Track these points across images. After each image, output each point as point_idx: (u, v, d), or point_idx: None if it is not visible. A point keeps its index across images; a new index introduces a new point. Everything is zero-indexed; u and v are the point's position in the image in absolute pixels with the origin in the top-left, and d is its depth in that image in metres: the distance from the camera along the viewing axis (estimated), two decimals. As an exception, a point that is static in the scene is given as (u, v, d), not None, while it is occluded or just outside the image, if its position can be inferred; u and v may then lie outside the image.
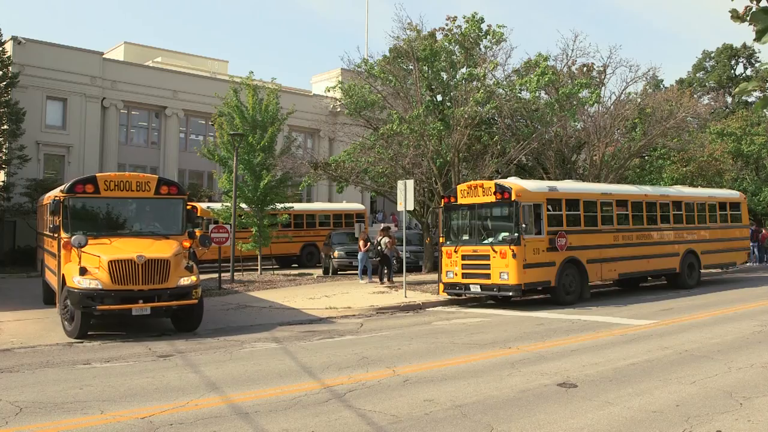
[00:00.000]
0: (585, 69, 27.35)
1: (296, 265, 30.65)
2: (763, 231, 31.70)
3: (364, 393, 7.39)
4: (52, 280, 14.49)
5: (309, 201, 37.17)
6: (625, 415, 6.38)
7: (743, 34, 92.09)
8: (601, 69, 27.50)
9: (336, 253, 25.92)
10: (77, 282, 11.36)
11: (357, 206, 34.80)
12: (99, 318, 11.96)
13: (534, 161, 27.61)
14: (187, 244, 13.33)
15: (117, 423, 6.36)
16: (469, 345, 10.60)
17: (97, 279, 11.37)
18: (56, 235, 12.98)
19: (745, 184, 37.58)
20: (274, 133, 24.35)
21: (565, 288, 16.35)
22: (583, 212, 17.11)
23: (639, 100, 27.55)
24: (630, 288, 20.68)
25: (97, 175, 13.13)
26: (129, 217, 13.48)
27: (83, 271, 11.39)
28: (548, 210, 16.27)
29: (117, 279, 11.42)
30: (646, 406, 6.67)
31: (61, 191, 12.90)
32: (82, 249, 11.66)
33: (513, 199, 15.53)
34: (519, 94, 24.41)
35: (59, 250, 12.71)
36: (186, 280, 12.03)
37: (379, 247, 21.50)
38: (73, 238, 11.71)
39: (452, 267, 16.62)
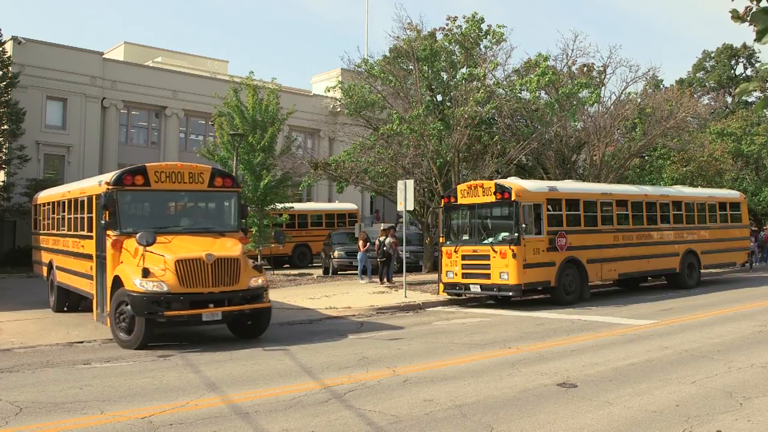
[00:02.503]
0: (585, 69, 27.38)
1: (287, 266, 30.48)
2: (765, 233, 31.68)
3: (364, 393, 7.39)
4: (76, 284, 13.31)
5: (309, 201, 37.14)
6: (625, 415, 6.38)
7: (743, 34, 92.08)
8: (601, 69, 27.53)
9: (336, 253, 25.92)
10: (140, 285, 10.10)
11: (350, 206, 34.61)
12: (161, 326, 10.59)
13: (534, 161, 27.62)
14: (244, 242, 12.44)
15: (117, 423, 6.36)
16: (469, 345, 10.60)
17: (163, 281, 10.13)
18: (90, 233, 11.96)
19: (745, 184, 37.58)
20: (274, 133, 24.34)
21: (565, 288, 16.35)
22: (583, 212, 17.11)
23: (639, 100, 27.56)
24: (630, 288, 20.67)
25: (147, 165, 11.78)
26: (181, 212, 12.28)
27: (146, 273, 10.13)
28: (548, 210, 16.27)
29: (185, 281, 10.22)
30: (646, 406, 6.67)
31: (107, 183, 11.37)
32: (145, 248, 10.39)
33: (513, 199, 15.53)
34: (519, 94, 24.42)
35: (102, 250, 11.46)
36: (257, 281, 10.99)
37: (384, 247, 21.46)
38: (138, 235, 10.36)
39: (452, 267, 16.62)
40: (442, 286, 17.21)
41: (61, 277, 14.70)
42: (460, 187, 17.31)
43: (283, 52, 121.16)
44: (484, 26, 24.19)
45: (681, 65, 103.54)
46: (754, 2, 3.43)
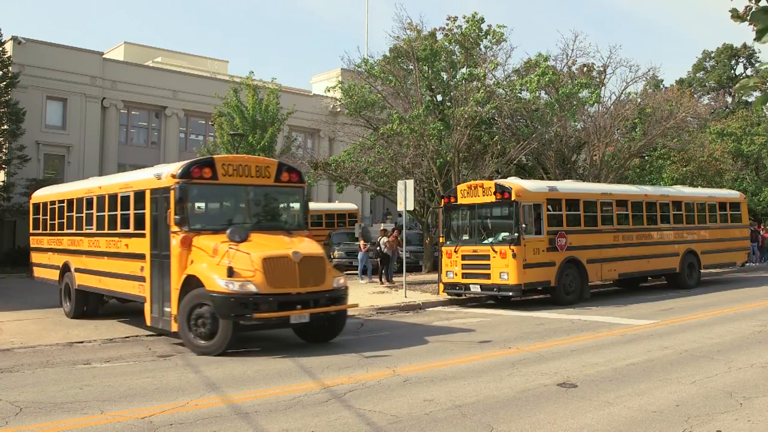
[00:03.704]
0: (585, 69, 27.37)
1: None
2: (762, 232, 31.67)
3: (364, 393, 7.39)
4: (114, 286, 12.39)
5: (309, 201, 37.12)
6: (624, 415, 6.38)
7: (743, 34, 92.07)
8: (601, 69, 27.53)
9: (336, 253, 25.93)
10: (225, 285, 9.40)
11: (350, 206, 34.39)
12: (242, 329, 9.82)
13: (534, 161, 27.61)
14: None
15: (117, 423, 6.36)
16: (469, 345, 10.60)
17: (251, 281, 9.46)
18: (140, 231, 11.20)
19: (745, 184, 37.58)
20: (274, 133, 24.38)
21: (565, 288, 16.35)
22: (583, 212, 17.11)
23: (639, 100, 27.56)
24: (630, 288, 20.67)
25: (214, 157, 11.07)
26: (249, 208, 11.40)
27: (231, 272, 9.45)
28: (548, 210, 16.27)
29: (273, 280, 9.57)
30: (646, 406, 6.67)
31: (172, 176, 10.50)
32: (230, 246, 9.71)
33: (513, 199, 15.53)
34: (519, 94, 24.42)
35: (161, 248, 10.69)
36: (340, 281, 10.45)
37: (378, 247, 21.50)
38: (230, 230, 9.78)
39: (452, 267, 16.62)
40: (442, 286, 17.21)
41: (83, 280, 13.70)
42: (460, 187, 17.31)
43: (283, 52, 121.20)
44: (484, 26, 24.20)
45: (681, 65, 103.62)
46: (753, 2, 3.44)
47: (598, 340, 11.00)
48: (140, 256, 11.29)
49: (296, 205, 11.93)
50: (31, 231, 17.49)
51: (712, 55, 55.56)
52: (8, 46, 30.67)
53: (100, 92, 34.61)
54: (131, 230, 11.73)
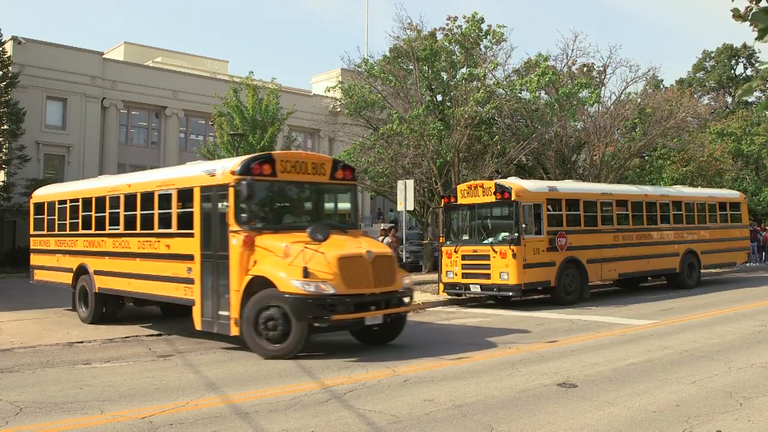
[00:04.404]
0: (585, 69, 27.40)
1: None
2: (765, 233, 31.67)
3: (364, 393, 7.39)
4: (151, 289, 11.81)
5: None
6: (625, 415, 6.38)
7: (743, 34, 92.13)
8: (601, 69, 27.55)
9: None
10: (301, 286, 9.05)
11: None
12: (316, 331, 9.52)
13: (534, 161, 27.63)
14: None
15: (117, 423, 6.36)
16: (469, 345, 10.59)
17: (328, 281, 9.14)
18: (188, 230, 10.70)
19: (745, 184, 37.58)
20: (274, 133, 24.37)
21: (565, 288, 16.35)
22: (583, 212, 17.11)
23: (639, 100, 27.58)
24: (630, 288, 20.67)
25: (272, 153, 10.67)
26: (305, 206, 11.25)
27: (307, 273, 9.07)
28: (548, 210, 16.27)
29: (349, 281, 9.27)
30: (646, 406, 6.67)
31: (232, 172, 10.07)
32: (306, 246, 9.34)
33: (513, 199, 15.53)
34: (519, 94, 24.44)
35: (215, 248, 10.26)
36: (407, 280, 10.23)
37: None
38: (310, 229, 9.47)
39: (452, 267, 16.62)
40: (442, 286, 17.21)
41: (105, 283, 13.09)
42: (460, 187, 17.31)
43: (283, 52, 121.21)
44: (484, 26, 24.22)
45: (681, 65, 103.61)
46: (754, 2, 3.44)
47: (598, 340, 11.00)
48: (187, 257, 10.75)
49: (349, 204, 11.65)
50: (32, 232, 16.53)
51: (712, 55, 55.56)
52: (8, 46, 30.67)
53: (100, 92, 34.62)
54: (174, 230, 11.17)
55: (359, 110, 25.39)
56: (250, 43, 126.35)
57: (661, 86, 39.34)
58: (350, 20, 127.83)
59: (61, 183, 20.29)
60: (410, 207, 17.82)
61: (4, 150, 29.03)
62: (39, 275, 16.07)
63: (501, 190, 15.85)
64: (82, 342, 11.37)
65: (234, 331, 9.80)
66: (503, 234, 15.79)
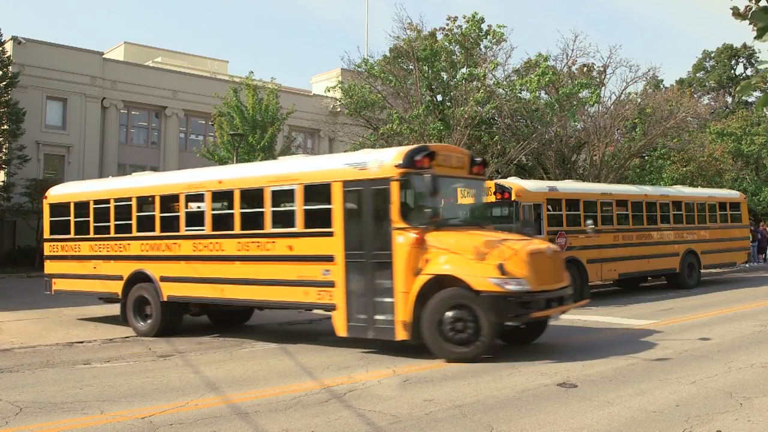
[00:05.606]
0: (585, 69, 27.39)
1: None
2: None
3: (364, 393, 7.39)
4: (267, 295, 10.76)
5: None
6: (625, 415, 6.38)
7: (743, 34, 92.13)
8: (601, 69, 27.55)
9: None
10: (499, 284, 8.65)
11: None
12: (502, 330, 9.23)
13: (534, 161, 27.63)
14: None
15: (117, 423, 6.36)
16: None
17: (523, 278, 8.77)
18: (326, 228, 9.94)
19: (745, 184, 37.57)
20: (273, 133, 24.39)
21: (565, 288, 16.32)
22: (583, 212, 17.11)
23: (639, 100, 27.58)
24: (630, 288, 20.68)
25: (429, 145, 10.07)
26: (455, 201, 10.80)
27: (503, 270, 8.67)
28: (548, 210, 16.27)
29: (539, 277, 8.95)
30: (646, 406, 6.67)
31: (396, 166, 9.40)
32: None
33: (513, 199, 15.52)
34: (519, 94, 24.43)
35: (364, 248, 9.59)
36: (569, 277, 9.99)
37: None
38: (517, 225, 9.33)
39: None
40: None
41: (180, 291, 11.80)
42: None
43: (283, 52, 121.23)
44: (484, 26, 24.20)
45: (681, 65, 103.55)
46: (754, 2, 3.45)
47: (598, 340, 11.00)
48: (322, 258, 9.92)
49: (482, 199, 11.22)
50: (48, 236, 14.42)
51: (712, 55, 55.56)
52: (8, 46, 30.67)
53: (100, 92, 34.62)
54: (299, 229, 10.29)
55: (359, 110, 25.38)
56: (250, 43, 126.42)
57: (661, 86, 39.33)
58: (350, 20, 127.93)
59: (86, 180, 18.44)
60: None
61: (4, 150, 29.03)
62: (61, 285, 14.08)
63: (501, 190, 15.83)
64: (82, 342, 11.38)
65: (401, 335, 9.19)
66: (503, 234, 15.77)
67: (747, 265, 26.96)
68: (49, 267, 14.32)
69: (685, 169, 32.02)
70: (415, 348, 10.27)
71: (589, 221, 16.37)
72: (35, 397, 7.40)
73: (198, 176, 12.40)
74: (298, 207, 10.34)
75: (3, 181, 29.71)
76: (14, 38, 31.69)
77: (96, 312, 15.12)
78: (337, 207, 9.88)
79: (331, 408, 6.78)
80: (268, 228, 10.71)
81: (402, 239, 9.20)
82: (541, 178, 25.04)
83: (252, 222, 11.00)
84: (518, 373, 8.33)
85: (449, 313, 8.90)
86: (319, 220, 10.15)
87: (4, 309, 15.42)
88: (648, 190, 20.88)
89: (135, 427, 6.23)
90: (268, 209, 10.72)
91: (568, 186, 17.95)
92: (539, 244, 9.58)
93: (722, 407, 6.59)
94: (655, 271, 19.84)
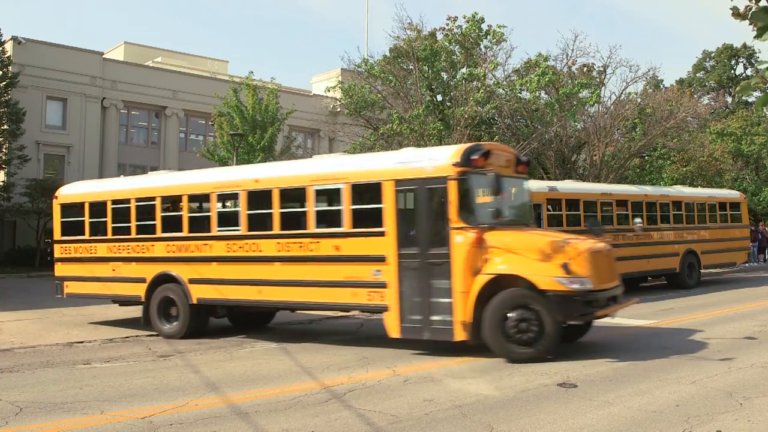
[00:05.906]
0: (585, 69, 27.41)
1: None
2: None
3: (364, 393, 7.39)
4: (282, 296, 10.69)
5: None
6: (625, 415, 6.37)
7: (743, 34, 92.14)
8: (601, 69, 27.58)
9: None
10: (565, 283, 8.59)
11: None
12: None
13: (534, 161, 27.63)
14: None
15: (117, 423, 6.36)
16: (468, 345, 10.57)
17: (586, 276, 8.73)
18: (378, 228, 9.66)
19: (745, 184, 37.58)
20: (273, 133, 24.39)
21: (565, 288, 16.31)
22: (583, 212, 17.11)
23: (639, 100, 27.60)
24: (630, 288, 20.59)
25: (483, 144, 9.99)
26: (506, 200, 10.35)
27: (568, 269, 8.62)
28: (548, 210, 16.27)
29: (600, 276, 8.97)
30: (646, 406, 6.67)
31: (455, 164, 9.27)
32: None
33: (513, 199, 15.50)
34: (519, 94, 24.45)
35: (420, 247, 9.41)
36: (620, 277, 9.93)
37: None
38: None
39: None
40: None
41: (209, 293, 11.44)
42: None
43: (283, 52, 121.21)
44: (484, 26, 24.23)
45: (681, 65, 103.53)
46: (753, 2, 3.45)
47: (597, 339, 10.99)
48: (372, 259, 9.71)
49: (526, 199, 10.99)
50: (60, 237, 13.73)
51: (712, 55, 55.56)
52: (8, 46, 30.66)
53: (100, 92, 34.62)
54: (346, 229, 10.01)
55: (359, 110, 25.39)
56: (250, 43, 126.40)
57: (661, 86, 39.35)
58: (350, 20, 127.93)
59: (99, 180, 17.96)
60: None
61: (4, 150, 29.02)
62: (74, 288, 13.48)
63: (501, 190, 15.81)
64: (82, 342, 11.38)
65: (460, 335, 9.07)
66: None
67: (747, 265, 26.96)
68: (61, 269, 13.70)
69: (685, 169, 32.03)
70: (415, 348, 10.28)
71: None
72: (35, 397, 7.40)
73: (231, 175, 12.02)
74: (346, 206, 10.04)
75: (3, 181, 29.71)
76: (14, 38, 31.68)
77: (96, 312, 15.12)
78: (388, 206, 9.64)
79: (331, 408, 6.78)
80: (312, 228, 10.38)
81: (461, 239, 9.08)
82: (541, 178, 25.04)
83: (293, 222, 10.68)
84: (518, 373, 8.33)
85: (512, 314, 8.81)
86: (368, 219, 9.89)
87: (4, 309, 15.42)
88: (648, 190, 20.89)
89: (135, 427, 6.23)
90: (311, 209, 10.40)
91: (568, 186, 17.96)
92: (598, 243, 9.51)
93: (722, 407, 6.59)
94: (655, 271, 19.83)
